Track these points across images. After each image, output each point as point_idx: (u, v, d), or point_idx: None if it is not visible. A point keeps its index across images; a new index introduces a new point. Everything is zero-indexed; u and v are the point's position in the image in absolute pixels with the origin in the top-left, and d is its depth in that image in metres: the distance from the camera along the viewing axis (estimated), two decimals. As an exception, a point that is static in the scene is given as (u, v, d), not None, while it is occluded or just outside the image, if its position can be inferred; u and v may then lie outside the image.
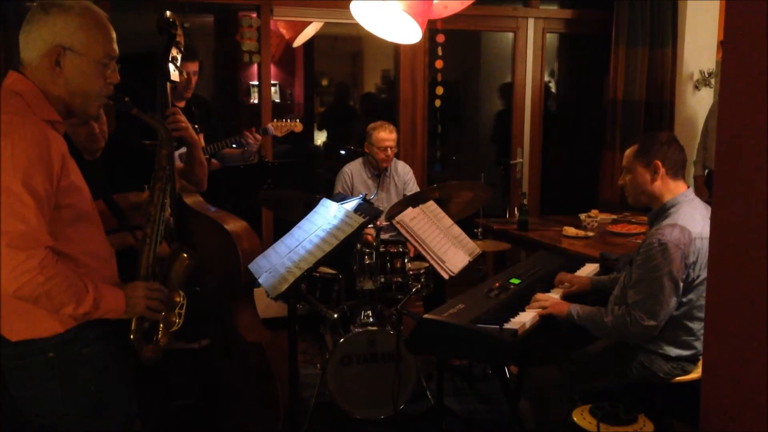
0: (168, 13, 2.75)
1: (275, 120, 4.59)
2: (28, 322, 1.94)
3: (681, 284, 2.76)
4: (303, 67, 8.23)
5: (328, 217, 2.63)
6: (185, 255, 2.23)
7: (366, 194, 3.11)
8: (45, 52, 1.94)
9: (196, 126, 4.31)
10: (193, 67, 4.35)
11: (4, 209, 1.78)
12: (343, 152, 4.96)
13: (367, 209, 2.60)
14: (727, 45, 1.76)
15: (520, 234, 4.62)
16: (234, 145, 4.29)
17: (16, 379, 2.00)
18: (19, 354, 1.97)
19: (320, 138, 8.25)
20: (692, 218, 2.81)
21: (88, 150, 2.80)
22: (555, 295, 3.07)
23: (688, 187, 2.96)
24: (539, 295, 3.03)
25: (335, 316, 3.86)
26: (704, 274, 2.77)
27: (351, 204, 2.66)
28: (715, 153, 1.82)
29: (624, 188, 3.03)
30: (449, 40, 5.73)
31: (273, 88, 7.90)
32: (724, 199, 1.82)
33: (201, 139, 4.33)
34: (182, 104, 4.43)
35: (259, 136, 4.35)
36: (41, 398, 1.99)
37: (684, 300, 2.82)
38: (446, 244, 3.29)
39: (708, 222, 2.78)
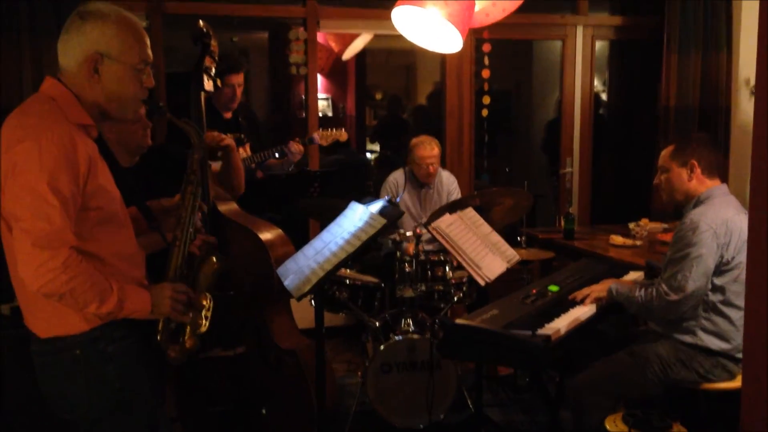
0: (201, 23, 2.81)
1: (320, 129, 4.65)
2: (56, 320, 2.00)
3: (711, 264, 2.78)
4: (355, 81, 8.31)
5: (354, 220, 2.65)
6: (214, 258, 2.26)
7: (391, 197, 3.11)
8: (83, 59, 2.00)
9: (243, 136, 4.41)
10: (238, 79, 4.42)
11: (30, 209, 1.84)
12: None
13: (390, 211, 2.60)
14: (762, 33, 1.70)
15: (565, 243, 4.55)
16: (276, 155, 4.34)
17: (45, 375, 2.06)
18: (48, 350, 2.03)
19: (373, 154, 8.30)
20: (724, 206, 2.87)
21: (142, 147, 2.88)
22: (585, 308, 3.00)
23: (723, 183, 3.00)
24: (585, 289, 3.09)
25: (377, 324, 3.87)
26: (739, 258, 2.79)
27: (376, 206, 2.68)
28: (752, 148, 1.76)
29: (658, 187, 3.09)
30: (500, 49, 5.70)
31: (325, 102, 8.00)
32: (763, 183, 1.75)
33: (247, 149, 4.41)
34: (229, 115, 4.52)
35: (301, 147, 4.40)
36: (68, 394, 2.05)
37: (719, 284, 2.83)
38: (483, 251, 3.27)
39: (740, 213, 2.84)
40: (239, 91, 4.42)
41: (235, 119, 4.52)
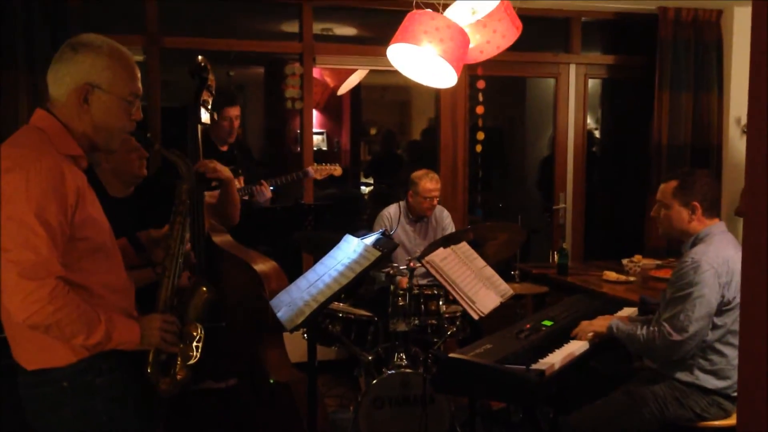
0: (199, 57, 2.83)
1: (315, 164, 4.70)
2: (43, 352, 1.97)
3: (714, 303, 2.75)
4: (350, 116, 8.36)
5: (348, 252, 2.65)
6: (204, 288, 2.25)
7: (386, 229, 3.12)
8: (73, 89, 2.00)
9: (240, 170, 4.44)
10: (235, 111, 4.46)
11: (17, 240, 1.83)
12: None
13: (384, 243, 2.61)
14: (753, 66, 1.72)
15: (559, 278, 4.56)
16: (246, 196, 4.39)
17: (33, 408, 2.04)
18: (35, 383, 2.01)
19: (369, 187, 8.32)
20: (724, 244, 2.85)
21: (138, 177, 2.87)
22: (579, 343, 3.00)
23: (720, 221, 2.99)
24: (584, 323, 3.08)
25: (369, 358, 3.85)
26: (740, 297, 2.74)
27: (371, 239, 2.68)
28: (745, 185, 1.77)
29: (656, 219, 3.07)
30: (494, 86, 5.76)
31: (320, 137, 8.04)
32: (758, 219, 1.76)
33: (241, 181, 4.44)
34: (225, 148, 4.55)
35: (267, 191, 4.45)
36: (55, 426, 2.02)
37: (719, 323, 2.80)
38: (477, 285, 3.26)
39: (739, 252, 2.79)
40: (236, 123, 4.46)
41: (231, 152, 4.55)
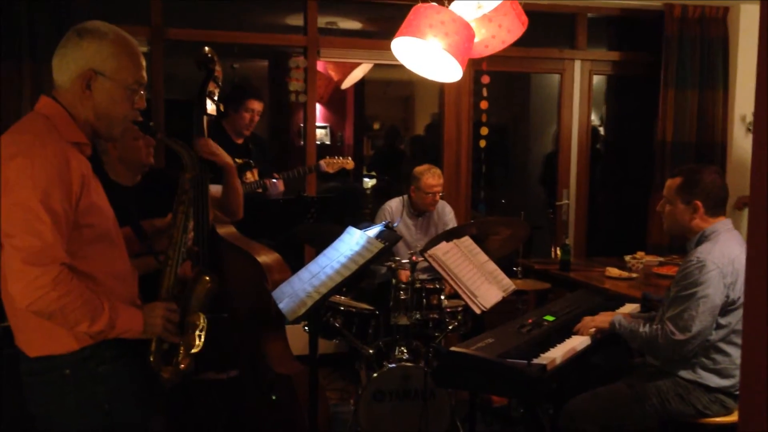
0: (206, 48, 2.83)
1: (327, 157, 4.71)
2: (46, 339, 1.97)
3: (718, 303, 2.74)
4: (354, 110, 8.35)
5: (351, 244, 2.65)
6: (207, 278, 2.25)
7: (389, 221, 3.12)
8: (77, 76, 2.00)
9: (251, 162, 4.45)
10: (259, 106, 4.48)
11: (22, 226, 1.83)
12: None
13: (387, 235, 2.61)
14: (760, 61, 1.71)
15: (561, 274, 4.56)
16: (260, 189, 4.41)
17: (34, 395, 2.04)
18: (37, 370, 2.01)
19: (372, 180, 8.31)
20: (730, 243, 2.84)
21: (146, 165, 2.87)
22: (581, 338, 3.00)
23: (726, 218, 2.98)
24: (587, 318, 3.09)
25: (370, 351, 3.85)
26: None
27: (373, 231, 2.68)
28: (751, 183, 1.77)
29: (661, 213, 3.06)
30: (498, 81, 5.75)
31: (323, 130, 8.03)
32: (762, 218, 1.75)
33: (255, 174, 4.46)
34: (241, 141, 4.57)
35: (280, 185, 4.46)
36: (57, 414, 2.02)
37: (723, 323, 2.79)
38: (479, 279, 3.26)
39: (745, 250, 2.78)
40: (257, 118, 4.47)
41: (245, 145, 4.57)
